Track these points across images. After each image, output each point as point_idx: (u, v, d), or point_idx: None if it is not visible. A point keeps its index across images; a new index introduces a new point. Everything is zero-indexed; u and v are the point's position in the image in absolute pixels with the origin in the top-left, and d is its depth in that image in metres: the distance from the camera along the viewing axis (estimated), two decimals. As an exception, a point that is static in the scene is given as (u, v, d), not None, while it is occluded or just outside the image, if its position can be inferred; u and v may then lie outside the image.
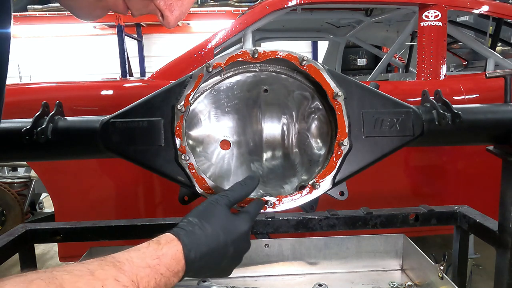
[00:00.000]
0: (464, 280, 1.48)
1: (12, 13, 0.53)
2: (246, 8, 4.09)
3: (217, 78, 0.97)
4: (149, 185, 2.25)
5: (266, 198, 0.92)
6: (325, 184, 0.93)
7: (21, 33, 8.43)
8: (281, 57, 0.93)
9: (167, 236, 0.70)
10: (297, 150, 1.01)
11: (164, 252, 0.67)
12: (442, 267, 1.16)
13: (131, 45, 8.10)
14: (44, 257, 3.25)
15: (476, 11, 2.67)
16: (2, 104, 0.61)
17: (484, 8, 2.62)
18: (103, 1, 0.64)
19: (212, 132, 0.99)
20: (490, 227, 1.28)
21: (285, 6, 2.43)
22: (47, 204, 3.67)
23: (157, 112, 0.94)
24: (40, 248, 3.31)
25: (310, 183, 0.93)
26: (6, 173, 3.28)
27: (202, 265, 0.73)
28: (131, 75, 6.97)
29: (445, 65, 2.43)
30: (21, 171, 3.28)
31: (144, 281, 0.62)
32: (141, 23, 8.30)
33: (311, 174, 0.97)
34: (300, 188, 0.95)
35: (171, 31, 9.09)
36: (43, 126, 0.97)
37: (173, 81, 0.95)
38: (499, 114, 1.10)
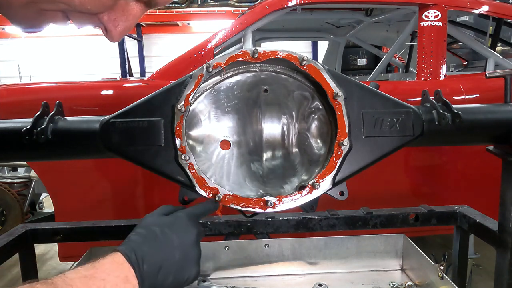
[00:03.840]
0: (464, 280, 1.48)
1: None
2: (246, 8, 4.09)
3: (217, 78, 0.97)
4: (149, 185, 2.25)
5: (266, 198, 0.92)
6: (325, 184, 0.93)
7: (21, 33, 8.43)
8: (281, 57, 0.93)
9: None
10: (297, 150, 1.01)
11: (101, 262, 0.66)
12: (442, 267, 1.16)
13: (131, 45, 8.11)
14: (44, 257, 3.25)
15: (476, 11, 2.67)
16: None
17: (484, 8, 2.62)
18: (42, 15, 0.62)
19: (212, 132, 0.99)
20: (490, 227, 1.28)
21: (285, 6, 2.43)
22: (47, 204, 3.67)
23: (157, 112, 0.94)
24: (40, 248, 3.31)
25: (310, 183, 0.93)
26: (6, 173, 3.29)
27: (154, 267, 0.71)
28: (131, 75, 6.98)
29: (445, 65, 2.43)
30: (21, 171, 3.28)
31: None
32: (141, 23, 8.31)
33: (311, 174, 0.97)
34: (300, 188, 0.95)
35: (171, 31, 9.11)
36: (43, 126, 0.97)
37: (173, 81, 0.95)
38: (499, 114, 1.10)
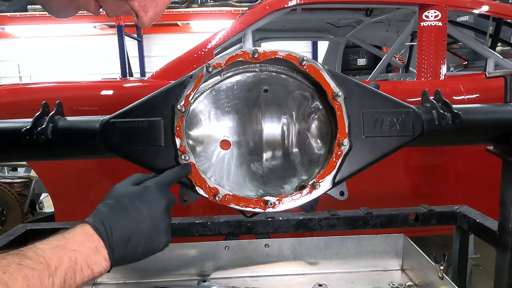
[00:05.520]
0: (464, 280, 1.48)
1: None
2: (246, 8, 4.09)
3: (217, 78, 0.97)
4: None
5: (266, 198, 0.92)
6: (325, 184, 0.93)
7: (21, 33, 8.42)
8: (281, 57, 0.93)
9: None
10: (297, 150, 1.01)
11: (71, 233, 0.67)
12: (442, 267, 1.16)
13: (131, 45, 8.09)
14: (44, 257, 3.24)
15: (476, 11, 2.67)
16: None
17: (484, 8, 2.62)
18: (75, 1, 0.65)
19: (212, 132, 0.99)
20: (490, 227, 1.28)
21: (285, 6, 2.43)
22: (47, 204, 3.66)
23: (157, 112, 0.94)
24: (40, 248, 3.30)
25: (310, 183, 0.93)
26: (6, 173, 3.28)
27: (123, 238, 0.71)
28: (131, 75, 6.97)
29: (445, 65, 2.43)
30: (21, 171, 3.28)
31: (55, 260, 0.60)
32: (141, 23, 8.28)
33: (311, 174, 0.97)
34: (300, 188, 0.95)
35: (171, 31, 9.09)
36: (43, 126, 0.97)
37: (173, 81, 0.95)
38: (499, 114, 1.10)
